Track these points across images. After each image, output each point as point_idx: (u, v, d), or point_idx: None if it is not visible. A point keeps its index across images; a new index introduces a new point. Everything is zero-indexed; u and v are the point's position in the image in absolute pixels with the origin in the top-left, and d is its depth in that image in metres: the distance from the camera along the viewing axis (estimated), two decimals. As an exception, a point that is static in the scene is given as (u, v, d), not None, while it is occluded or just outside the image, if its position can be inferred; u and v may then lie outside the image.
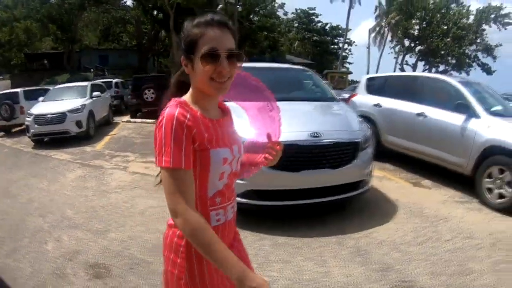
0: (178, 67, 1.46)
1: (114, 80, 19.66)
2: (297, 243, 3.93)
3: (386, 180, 6.58)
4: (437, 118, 6.50)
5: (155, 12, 32.36)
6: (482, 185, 5.68)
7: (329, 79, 28.14)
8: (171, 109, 1.24)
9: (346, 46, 50.86)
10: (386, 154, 7.65)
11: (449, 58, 36.60)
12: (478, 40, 36.86)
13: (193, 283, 1.33)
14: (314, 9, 46.15)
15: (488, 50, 36.69)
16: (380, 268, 3.49)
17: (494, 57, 36.99)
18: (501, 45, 37.22)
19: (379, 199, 5.52)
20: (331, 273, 3.35)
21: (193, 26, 1.29)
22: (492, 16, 35.47)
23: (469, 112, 6.04)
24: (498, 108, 6.64)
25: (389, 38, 40.49)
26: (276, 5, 37.24)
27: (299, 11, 46.13)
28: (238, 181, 4.14)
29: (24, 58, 37.10)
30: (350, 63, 52.24)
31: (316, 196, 4.22)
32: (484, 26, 36.26)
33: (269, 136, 1.65)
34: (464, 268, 3.58)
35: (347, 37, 50.01)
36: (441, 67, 38.41)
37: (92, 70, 33.89)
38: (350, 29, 65.30)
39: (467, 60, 37.16)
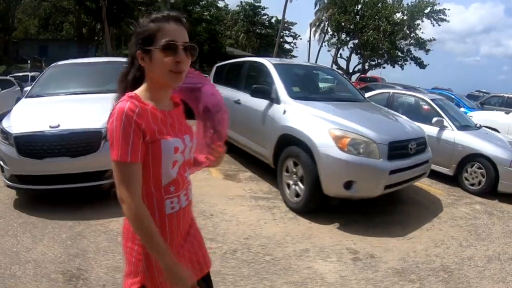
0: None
1: (31, 74, 19.10)
2: (39, 223, 4.17)
3: (202, 173, 6.08)
4: (247, 105, 6.13)
5: (88, 3, 31.81)
6: (283, 180, 5.14)
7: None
8: (122, 103, 1.30)
9: (291, 39, 51.62)
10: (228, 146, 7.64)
11: (380, 52, 37.24)
12: (412, 35, 37.57)
13: (149, 266, 1.42)
14: (259, 1, 46.22)
15: (420, 44, 37.42)
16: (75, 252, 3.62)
17: (427, 51, 37.74)
18: (434, 39, 38.05)
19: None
20: (33, 250, 3.63)
21: (150, 21, 1.38)
22: (426, 11, 35.90)
23: (271, 97, 5.55)
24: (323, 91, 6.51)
25: (329, 32, 41.20)
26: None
27: (244, 3, 46.12)
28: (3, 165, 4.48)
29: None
30: (294, 56, 52.79)
31: (71, 182, 4.48)
32: (418, 21, 36.77)
33: (214, 137, 1.72)
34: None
35: (293, 30, 50.80)
36: (377, 61, 39.44)
37: (29, 61, 33.07)
38: (296, 23, 66.00)
39: (399, 54, 37.95)
